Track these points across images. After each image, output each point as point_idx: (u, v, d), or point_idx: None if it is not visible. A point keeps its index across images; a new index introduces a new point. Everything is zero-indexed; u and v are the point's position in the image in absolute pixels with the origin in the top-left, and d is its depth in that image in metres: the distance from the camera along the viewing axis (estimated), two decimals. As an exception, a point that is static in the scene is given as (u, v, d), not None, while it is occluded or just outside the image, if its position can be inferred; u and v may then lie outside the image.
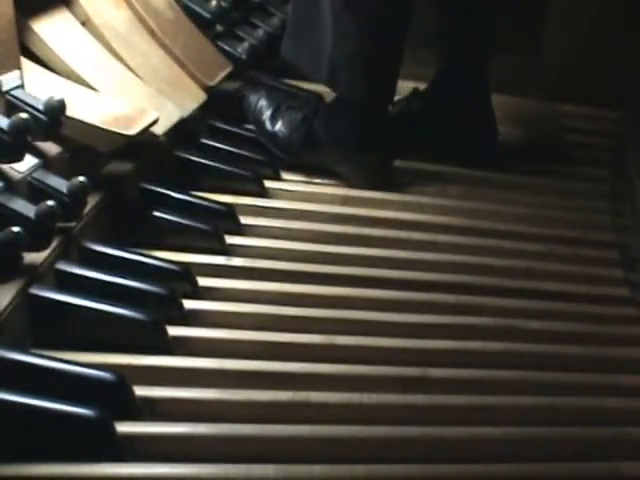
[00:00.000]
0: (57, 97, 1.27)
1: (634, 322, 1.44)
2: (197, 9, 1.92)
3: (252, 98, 1.85)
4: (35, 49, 1.47)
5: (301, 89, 2.02)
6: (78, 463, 0.98)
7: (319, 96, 1.83)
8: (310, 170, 1.77)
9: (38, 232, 1.15)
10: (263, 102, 1.83)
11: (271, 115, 1.80)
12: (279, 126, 1.78)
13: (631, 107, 2.15)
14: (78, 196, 1.25)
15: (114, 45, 1.61)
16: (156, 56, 1.71)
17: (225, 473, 1.01)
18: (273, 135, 1.79)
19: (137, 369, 1.14)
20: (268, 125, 1.79)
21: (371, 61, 1.71)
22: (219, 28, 1.99)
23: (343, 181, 1.76)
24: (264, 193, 1.67)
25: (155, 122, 1.45)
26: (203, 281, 1.35)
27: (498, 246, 1.61)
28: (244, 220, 1.55)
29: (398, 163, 1.84)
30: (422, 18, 1.83)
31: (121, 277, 1.25)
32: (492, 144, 1.94)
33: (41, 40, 1.47)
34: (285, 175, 1.76)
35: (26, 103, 1.27)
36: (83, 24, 1.59)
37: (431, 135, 1.89)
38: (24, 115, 1.19)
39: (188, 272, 1.34)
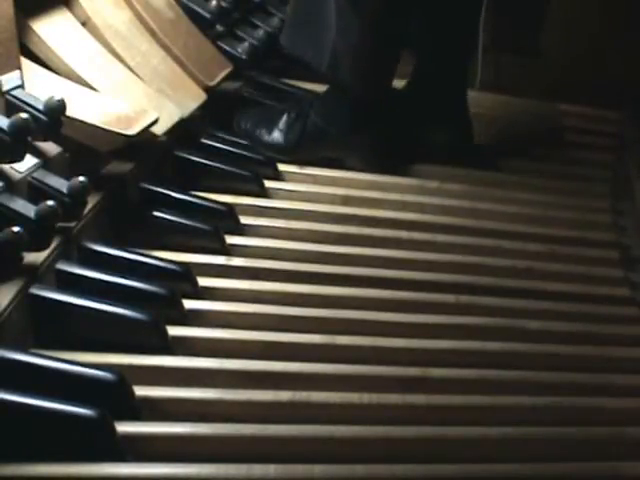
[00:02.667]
0: (57, 97, 1.27)
1: (634, 322, 1.44)
2: (197, 9, 1.92)
3: (243, 123, 1.86)
4: (35, 49, 1.47)
5: (299, 88, 2.03)
6: (78, 463, 0.98)
7: (314, 94, 1.86)
8: (311, 164, 1.79)
9: (38, 232, 1.15)
10: (254, 120, 1.85)
11: (266, 128, 1.83)
12: (275, 133, 1.81)
13: (631, 107, 2.15)
14: (78, 196, 1.25)
15: (114, 45, 1.61)
16: (156, 56, 1.71)
17: (225, 473, 1.01)
18: (271, 143, 1.81)
19: (137, 369, 1.14)
20: (265, 137, 1.82)
21: (373, 51, 1.75)
22: (219, 28, 1.99)
23: (345, 168, 1.78)
24: (264, 193, 1.67)
25: (155, 122, 1.45)
26: (203, 281, 1.35)
27: (498, 246, 1.61)
28: (244, 220, 1.55)
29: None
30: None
31: (121, 277, 1.25)
32: (470, 143, 1.93)
33: (41, 40, 1.47)
34: (285, 175, 1.77)
35: (26, 103, 1.27)
36: (83, 24, 1.59)
37: (412, 135, 1.90)
38: (24, 115, 1.19)
39: (188, 272, 1.34)
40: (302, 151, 1.80)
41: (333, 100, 1.80)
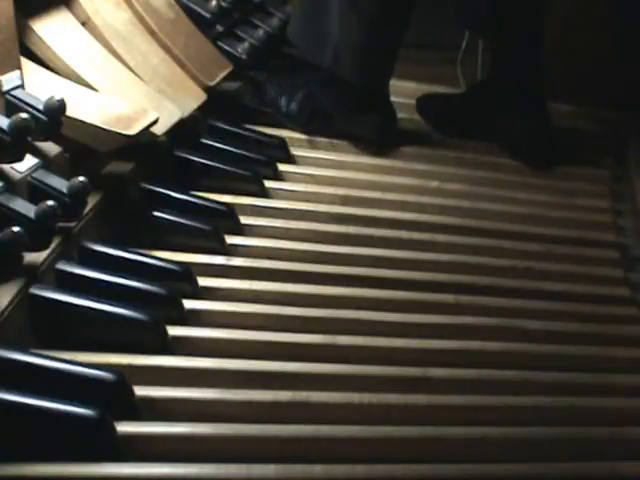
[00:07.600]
0: (57, 97, 1.27)
1: (634, 322, 1.44)
2: (197, 9, 1.92)
3: (270, 89, 2.00)
4: (35, 49, 1.47)
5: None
6: (78, 463, 0.98)
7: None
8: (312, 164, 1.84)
9: (38, 232, 1.15)
10: (278, 89, 1.99)
11: (286, 98, 1.96)
12: (292, 105, 1.94)
13: (631, 107, 2.15)
14: (78, 196, 1.25)
15: (114, 45, 1.61)
16: (156, 56, 1.71)
17: (225, 473, 1.01)
18: (287, 114, 1.95)
19: (137, 369, 1.14)
20: (284, 108, 1.95)
21: (371, 51, 1.87)
22: (219, 28, 1.99)
23: (346, 168, 1.84)
24: (264, 193, 1.67)
25: (155, 122, 1.45)
26: (203, 281, 1.35)
27: (498, 246, 1.61)
28: (244, 220, 1.55)
29: (398, 164, 1.87)
30: (422, 20, 1.92)
31: (121, 277, 1.25)
32: (541, 144, 1.97)
33: (41, 40, 1.47)
34: (285, 175, 1.77)
35: (26, 103, 1.27)
36: (83, 24, 1.59)
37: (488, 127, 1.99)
38: (24, 115, 1.19)
39: (188, 272, 1.34)
40: (313, 126, 1.93)
41: (336, 88, 1.91)
